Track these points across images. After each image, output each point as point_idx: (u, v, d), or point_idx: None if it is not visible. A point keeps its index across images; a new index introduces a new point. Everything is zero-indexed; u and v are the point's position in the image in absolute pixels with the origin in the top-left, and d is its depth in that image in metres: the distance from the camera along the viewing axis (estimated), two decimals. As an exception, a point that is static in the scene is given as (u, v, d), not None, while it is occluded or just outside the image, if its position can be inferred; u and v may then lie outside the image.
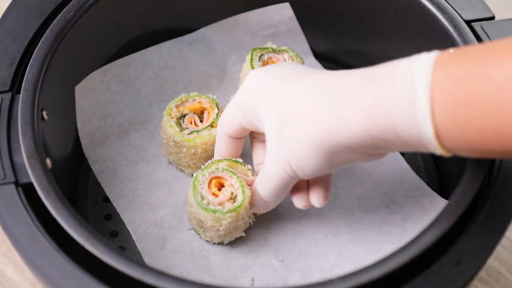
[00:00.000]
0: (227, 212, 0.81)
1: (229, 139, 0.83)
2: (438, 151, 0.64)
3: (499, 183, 0.72)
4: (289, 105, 0.72)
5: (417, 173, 0.90)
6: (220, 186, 0.84)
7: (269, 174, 0.76)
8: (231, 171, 0.84)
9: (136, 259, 0.82)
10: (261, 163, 0.83)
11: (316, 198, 0.79)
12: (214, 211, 0.81)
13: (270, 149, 0.75)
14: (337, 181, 0.90)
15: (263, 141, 0.80)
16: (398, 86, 0.63)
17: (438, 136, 0.63)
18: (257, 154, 0.84)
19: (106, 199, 0.90)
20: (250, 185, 0.83)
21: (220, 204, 0.81)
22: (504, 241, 0.93)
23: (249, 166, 0.86)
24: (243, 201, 0.81)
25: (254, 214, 0.85)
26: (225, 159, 0.85)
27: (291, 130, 0.71)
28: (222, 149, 0.84)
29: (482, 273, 0.91)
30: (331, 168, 0.72)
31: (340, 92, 0.68)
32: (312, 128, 0.69)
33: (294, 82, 0.73)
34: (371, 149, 0.68)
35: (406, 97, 0.63)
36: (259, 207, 0.82)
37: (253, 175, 0.85)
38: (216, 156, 0.85)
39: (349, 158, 0.70)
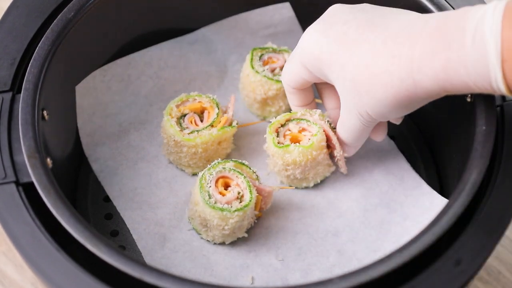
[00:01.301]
0: (234, 211, 0.81)
1: (296, 90, 0.86)
2: (505, 93, 0.67)
3: (499, 183, 0.72)
4: (359, 72, 0.74)
5: (417, 173, 0.90)
6: (226, 186, 0.84)
7: (350, 124, 0.80)
8: (238, 171, 0.84)
9: (136, 258, 0.82)
10: (334, 108, 0.88)
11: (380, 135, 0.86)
12: (222, 210, 0.81)
13: (346, 103, 0.78)
14: (336, 181, 0.90)
15: (331, 85, 0.83)
16: (469, 49, 0.66)
17: (508, 86, 0.66)
18: (328, 99, 0.88)
19: (107, 199, 0.90)
20: (255, 186, 0.83)
21: (227, 203, 0.82)
22: (503, 241, 0.93)
23: (255, 169, 0.86)
24: (250, 200, 0.82)
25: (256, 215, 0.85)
26: (231, 160, 0.86)
27: (367, 91, 0.74)
28: (293, 100, 0.88)
29: (482, 272, 0.91)
30: (408, 112, 0.76)
31: (409, 57, 0.70)
32: (388, 91, 0.72)
33: (357, 45, 0.74)
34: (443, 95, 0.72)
35: (478, 61, 0.65)
36: (348, 150, 0.86)
37: (257, 178, 0.85)
38: (293, 108, 0.89)
39: (423, 103, 0.74)
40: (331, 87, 0.85)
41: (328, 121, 0.87)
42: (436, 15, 0.71)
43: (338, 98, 0.84)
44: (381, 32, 0.73)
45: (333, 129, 0.86)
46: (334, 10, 0.80)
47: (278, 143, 0.86)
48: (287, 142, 0.86)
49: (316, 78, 0.82)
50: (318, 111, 0.88)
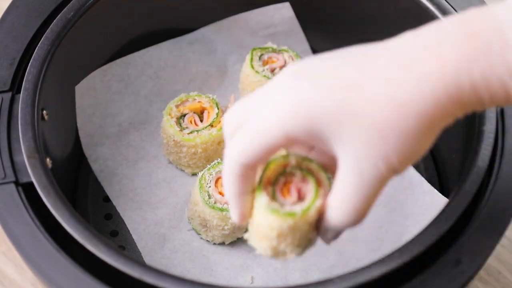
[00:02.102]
0: None
1: (249, 170, 0.61)
2: None
3: (499, 183, 0.72)
4: (381, 111, 0.58)
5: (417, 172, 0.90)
6: None
7: (362, 189, 0.60)
8: None
9: (136, 258, 0.82)
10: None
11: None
12: (222, 210, 0.81)
13: (359, 162, 0.59)
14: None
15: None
16: None
17: None
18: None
19: (106, 199, 0.90)
20: None
21: (227, 203, 0.82)
22: (504, 241, 0.93)
23: None
24: None
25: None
26: None
27: (395, 129, 0.58)
28: (242, 185, 0.62)
29: (482, 272, 0.91)
30: (435, 138, 0.61)
31: (441, 72, 0.56)
32: (422, 117, 0.58)
33: (364, 83, 0.58)
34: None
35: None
36: (332, 235, 0.64)
37: None
38: (233, 198, 0.62)
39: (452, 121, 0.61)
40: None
41: None
42: (452, 20, 0.58)
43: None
44: (389, 57, 0.58)
45: None
46: (301, 65, 0.61)
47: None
48: None
49: (293, 145, 0.63)
50: None
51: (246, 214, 0.63)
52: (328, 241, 0.64)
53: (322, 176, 0.64)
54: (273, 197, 0.63)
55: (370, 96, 0.57)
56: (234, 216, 0.63)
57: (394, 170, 0.60)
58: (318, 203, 0.61)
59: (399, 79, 0.57)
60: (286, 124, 0.58)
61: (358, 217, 0.61)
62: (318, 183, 0.63)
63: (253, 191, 0.62)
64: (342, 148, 0.59)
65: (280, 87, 0.59)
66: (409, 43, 0.58)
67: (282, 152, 0.63)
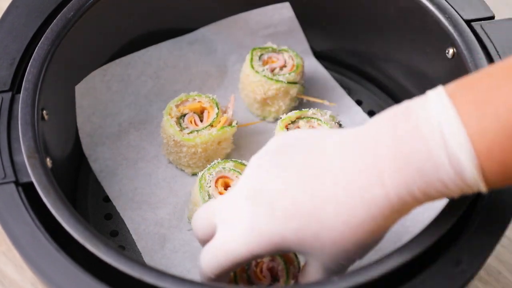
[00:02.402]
0: None
1: (223, 277, 0.70)
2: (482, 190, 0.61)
3: (499, 183, 0.72)
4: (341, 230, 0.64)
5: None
6: (226, 186, 0.84)
7: (326, 273, 0.69)
8: (238, 172, 0.84)
9: (136, 258, 0.82)
10: None
11: None
12: None
13: (320, 264, 0.67)
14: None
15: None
16: (447, 167, 0.59)
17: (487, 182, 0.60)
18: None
19: (106, 199, 0.90)
20: None
21: None
22: (504, 241, 0.93)
23: None
24: None
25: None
26: (231, 160, 0.85)
27: (353, 242, 0.65)
28: (225, 278, 0.71)
29: (482, 272, 0.91)
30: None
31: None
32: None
33: (314, 214, 0.63)
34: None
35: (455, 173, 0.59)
36: None
37: None
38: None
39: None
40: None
41: (338, 122, 0.87)
42: (377, 128, 0.61)
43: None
44: (334, 180, 0.63)
45: None
46: (253, 181, 0.67)
47: None
48: None
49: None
50: (329, 112, 0.88)
51: None
52: None
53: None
54: (249, 282, 0.73)
55: (326, 222, 0.63)
56: None
57: (355, 261, 0.68)
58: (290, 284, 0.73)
59: (348, 205, 0.62)
60: (251, 247, 0.65)
61: None
62: (287, 261, 0.74)
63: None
64: (307, 256, 0.67)
65: (241, 211, 0.66)
66: (350, 165, 0.62)
67: None
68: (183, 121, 0.89)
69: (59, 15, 0.83)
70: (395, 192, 0.61)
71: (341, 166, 0.62)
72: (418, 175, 0.60)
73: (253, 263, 0.76)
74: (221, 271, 0.68)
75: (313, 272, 0.68)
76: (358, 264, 0.83)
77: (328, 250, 0.65)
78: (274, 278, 0.76)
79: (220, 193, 0.83)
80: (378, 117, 0.62)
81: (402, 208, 0.63)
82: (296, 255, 0.78)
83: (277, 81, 0.92)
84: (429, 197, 0.62)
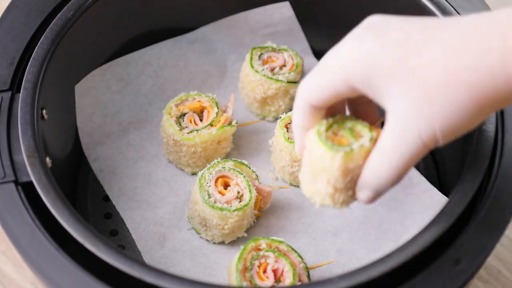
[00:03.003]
0: (234, 210, 0.81)
1: (315, 109, 0.68)
2: None
3: (499, 182, 0.72)
4: (435, 74, 0.61)
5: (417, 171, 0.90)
6: (226, 186, 0.84)
7: (399, 152, 0.63)
8: (237, 171, 0.84)
9: (135, 257, 0.82)
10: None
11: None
12: (221, 209, 0.81)
13: (403, 123, 0.62)
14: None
15: (367, 103, 0.71)
16: None
17: None
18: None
19: (106, 198, 0.90)
20: (254, 186, 0.83)
21: (227, 202, 0.82)
22: (503, 240, 0.93)
23: (254, 168, 0.86)
24: (250, 200, 0.82)
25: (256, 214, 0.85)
26: (231, 159, 0.86)
27: (444, 96, 0.61)
28: (305, 120, 0.69)
29: (482, 271, 0.91)
30: (481, 121, 0.65)
31: (502, 50, 0.59)
32: (472, 92, 0.60)
33: (427, 45, 0.61)
34: None
35: None
36: (371, 195, 0.67)
37: (257, 178, 0.85)
38: (296, 130, 0.70)
39: (501, 106, 0.63)
40: (366, 105, 0.71)
41: None
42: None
43: (372, 118, 0.72)
44: (454, 29, 0.61)
45: None
46: (375, 19, 0.67)
47: (288, 138, 0.86)
48: None
49: (354, 94, 0.66)
50: None
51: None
52: (365, 200, 0.67)
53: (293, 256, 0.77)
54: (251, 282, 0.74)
55: (427, 59, 0.60)
56: (296, 146, 0.70)
57: (435, 140, 0.62)
58: (367, 142, 0.66)
59: (459, 49, 0.60)
60: (346, 72, 0.64)
61: (390, 180, 0.64)
62: (293, 263, 0.77)
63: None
64: (390, 103, 0.63)
65: (353, 36, 0.65)
66: (476, 20, 0.60)
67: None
68: (183, 120, 0.89)
69: (58, 15, 0.83)
70: (499, 71, 0.59)
71: (464, 22, 0.61)
72: None
73: (257, 263, 0.77)
74: (315, 101, 0.66)
75: (388, 141, 0.64)
76: (358, 263, 0.83)
77: (415, 92, 0.61)
78: (277, 280, 0.76)
79: (220, 192, 0.83)
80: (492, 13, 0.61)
81: (495, 95, 0.60)
82: (301, 257, 0.78)
83: (277, 80, 0.92)
84: None
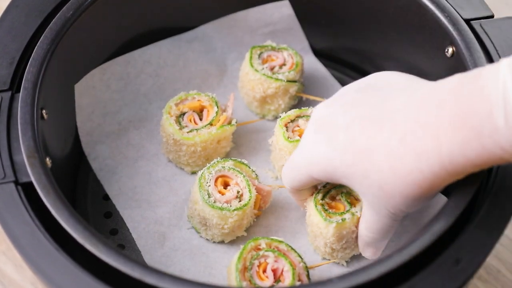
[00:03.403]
0: (234, 210, 0.81)
1: (299, 190, 0.81)
2: None
3: (498, 182, 0.72)
4: (386, 178, 0.68)
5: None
6: (225, 185, 0.84)
7: (380, 224, 0.74)
8: (237, 171, 0.84)
9: (135, 257, 0.82)
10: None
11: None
12: (221, 209, 0.81)
13: (374, 206, 0.72)
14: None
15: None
16: (503, 131, 0.60)
17: None
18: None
19: (106, 197, 0.90)
20: (254, 185, 0.83)
21: (227, 202, 0.82)
22: (503, 240, 0.94)
23: (254, 168, 0.86)
24: (249, 199, 0.82)
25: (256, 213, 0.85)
26: (231, 159, 0.86)
27: (400, 193, 0.68)
28: (296, 196, 0.83)
29: (481, 271, 0.91)
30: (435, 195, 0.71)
31: (437, 152, 0.64)
32: (423, 187, 0.67)
33: (372, 151, 0.68)
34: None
35: None
36: (373, 251, 0.80)
37: (257, 177, 0.85)
38: (299, 202, 0.84)
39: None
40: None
41: None
42: (443, 88, 0.64)
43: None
44: (392, 129, 0.66)
45: None
46: (322, 113, 0.74)
47: (288, 137, 0.86)
48: (296, 137, 0.86)
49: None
50: None
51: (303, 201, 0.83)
52: (371, 257, 0.80)
53: (292, 255, 0.78)
54: (250, 282, 0.76)
55: (376, 164, 0.67)
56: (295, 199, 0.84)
57: (405, 212, 0.71)
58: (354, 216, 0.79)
59: (399, 153, 0.66)
60: (309, 170, 0.74)
61: (382, 237, 0.76)
62: (292, 262, 0.78)
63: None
64: (358, 191, 0.72)
65: (306, 138, 0.75)
66: (411, 118, 0.65)
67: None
68: (183, 119, 0.89)
69: (58, 14, 0.83)
70: (448, 148, 0.62)
71: (403, 119, 0.66)
72: (473, 134, 0.61)
73: (256, 263, 0.77)
74: (292, 187, 0.79)
75: (367, 215, 0.75)
76: (358, 264, 0.83)
77: (376, 192, 0.69)
78: (277, 280, 0.77)
79: (220, 192, 0.83)
80: (451, 77, 0.64)
81: (452, 169, 0.64)
82: (301, 257, 0.78)
83: (277, 79, 0.92)
84: (481, 161, 0.62)
